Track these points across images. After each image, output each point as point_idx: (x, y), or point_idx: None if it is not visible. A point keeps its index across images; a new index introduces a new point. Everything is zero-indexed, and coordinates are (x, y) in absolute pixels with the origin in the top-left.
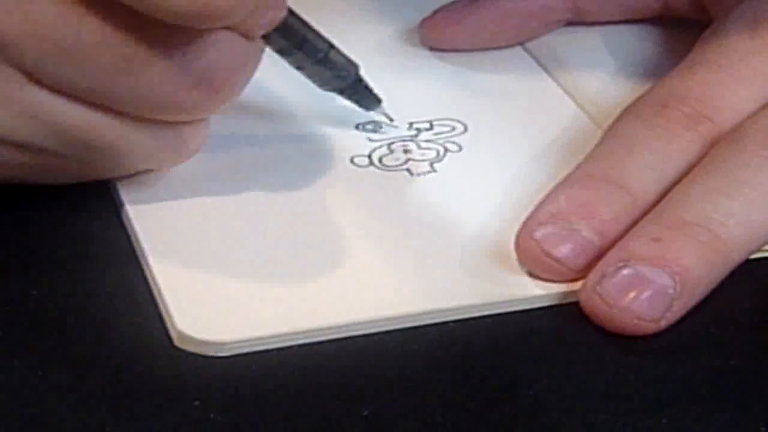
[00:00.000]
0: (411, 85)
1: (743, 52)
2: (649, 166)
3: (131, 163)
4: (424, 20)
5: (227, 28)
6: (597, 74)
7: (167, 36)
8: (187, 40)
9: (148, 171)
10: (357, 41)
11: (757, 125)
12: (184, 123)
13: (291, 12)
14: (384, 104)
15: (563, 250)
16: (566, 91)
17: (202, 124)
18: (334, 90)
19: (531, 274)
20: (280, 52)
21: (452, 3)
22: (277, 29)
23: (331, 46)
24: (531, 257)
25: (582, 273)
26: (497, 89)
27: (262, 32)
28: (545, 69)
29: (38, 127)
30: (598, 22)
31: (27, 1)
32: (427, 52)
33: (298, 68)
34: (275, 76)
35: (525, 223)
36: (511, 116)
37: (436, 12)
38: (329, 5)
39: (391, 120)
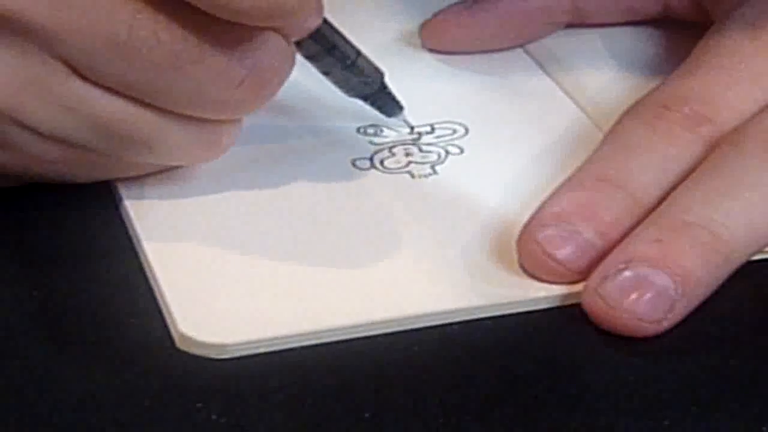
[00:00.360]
0: (412, 88)
1: (744, 54)
2: (650, 167)
3: (166, 158)
4: (425, 22)
5: (273, 29)
6: (598, 76)
7: (219, 34)
8: (238, 39)
9: (148, 173)
10: (358, 44)
11: (758, 127)
12: (223, 121)
13: (323, 18)
14: (405, 111)
15: (565, 252)
16: (567, 93)
17: (238, 122)
18: (359, 96)
19: (532, 276)
20: (310, 57)
21: (453, 5)
22: (310, 34)
23: (359, 52)
24: (533, 259)
25: (584, 275)
26: (498, 91)
27: (301, 36)
28: (546, 71)
29: (79, 121)
30: (599, 24)
31: None
32: (427, 55)
33: (325, 73)
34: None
35: (527, 225)
36: (512, 118)
37: (436, 14)
38: (328, 8)
39: (412, 128)
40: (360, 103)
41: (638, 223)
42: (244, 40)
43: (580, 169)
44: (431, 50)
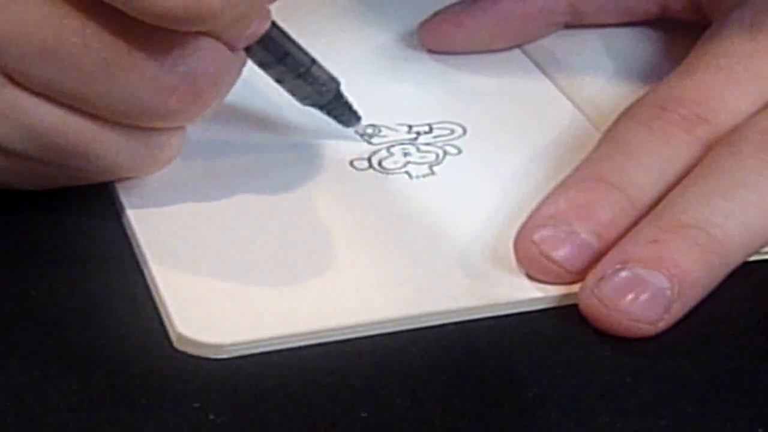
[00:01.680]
0: (410, 89)
1: (741, 55)
2: (647, 168)
3: (107, 168)
4: (423, 23)
5: (211, 35)
6: (595, 76)
7: (149, 40)
8: (169, 45)
9: (147, 174)
10: (356, 44)
11: (754, 128)
12: (162, 130)
13: (274, 24)
14: (362, 122)
15: (562, 252)
16: (565, 94)
17: (180, 132)
18: (314, 105)
19: (529, 276)
20: (262, 64)
21: (451, 6)
22: (259, 41)
23: (313, 61)
24: (530, 259)
25: (580, 275)
26: (496, 92)
27: (245, 43)
28: (544, 72)
29: (14, 128)
30: (596, 25)
31: (9, 1)
32: (425, 55)
33: (278, 81)
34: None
35: (524, 225)
36: (510, 119)
37: (434, 15)
38: (327, 8)
39: (370, 143)
40: (316, 112)
41: (635, 223)
42: (177, 47)
43: (577, 170)
44: (429, 50)
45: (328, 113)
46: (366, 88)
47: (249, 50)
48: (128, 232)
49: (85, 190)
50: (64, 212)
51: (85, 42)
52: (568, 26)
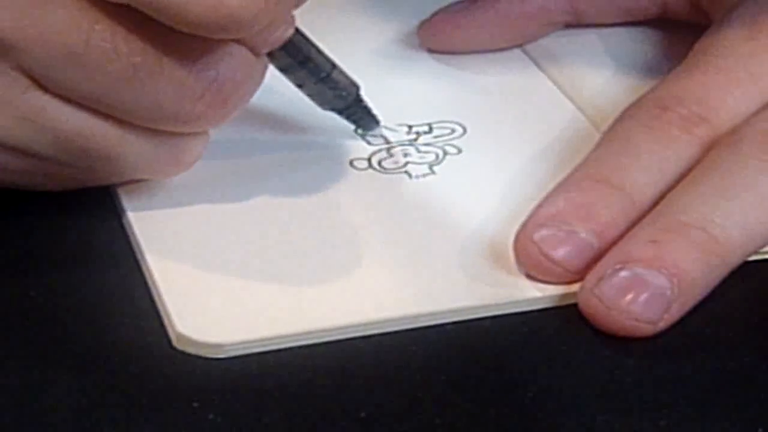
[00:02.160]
0: (410, 88)
1: (741, 55)
2: (646, 168)
3: (128, 171)
4: (423, 22)
5: (237, 41)
6: (595, 76)
7: (178, 46)
8: (197, 51)
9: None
10: (355, 44)
11: (754, 128)
12: (186, 134)
13: (296, 29)
14: (382, 125)
15: (562, 252)
16: (565, 93)
17: (203, 136)
18: (333, 109)
19: (529, 276)
20: (283, 69)
21: (451, 5)
22: (282, 46)
23: (334, 65)
24: (530, 259)
25: (580, 275)
26: (496, 91)
27: (269, 48)
28: (544, 71)
29: (38, 132)
30: (596, 25)
31: (38, 5)
32: (425, 55)
33: (299, 86)
34: (274, 81)
35: (524, 225)
36: (510, 118)
37: (435, 14)
38: (326, 8)
39: (389, 143)
40: (335, 116)
41: (635, 223)
42: (205, 53)
43: (576, 170)
44: (429, 50)
45: (348, 117)
46: (365, 88)
47: (271, 55)
48: (128, 232)
49: (85, 191)
50: (65, 213)
51: (114, 48)
52: (568, 26)
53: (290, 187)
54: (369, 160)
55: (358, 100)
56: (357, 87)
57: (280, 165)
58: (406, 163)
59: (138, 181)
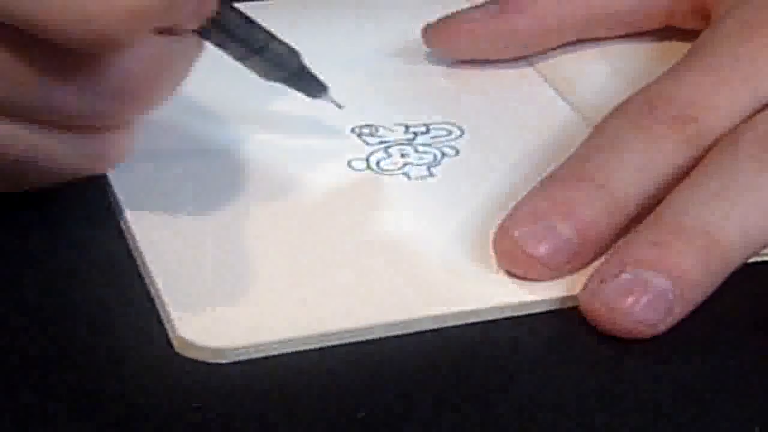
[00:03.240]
0: (407, 89)
1: (733, 56)
2: (631, 166)
3: (48, 172)
4: (432, 25)
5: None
6: (593, 79)
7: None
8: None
9: (145, 177)
10: (352, 44)
11: (754, 130)
12: (106, 130)
13: (225, 3)
14: (330, 91)
15: (541, 249)
16: (563, 96)
17: (128, 129)
18: (277, 80)
19: (509, 273)
20: (218, 45)
21: (465, 13)
22: (212, 23)
23: (272, 36)
24: (508, 256)
25: (561, 272)
26: (492, 92)
27: (190, 27)
28: (540, 72)
29: None
30: (605, 39)
31: None
32: (422, 56)
33: (239, 60)
34: (273, 83)
35: (504, 222)
36: (508, 119)
37: (445, 19)
38: (325, 8)
39: (340, 107)
40: (283, 87)
41: (618, 221)
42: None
43: (560, 167)
44: (435, 55)
45: (294, 86)
46: (362, 88)
47: (202, 33)
48: (127, 235)
49: (82, 195)
50: (62, 216)
51: (15, 55)
52: (579, 41)
53: (289, 189)
54: (367, 160)
55: (302, 67)
56: (297, 54)
57: (279, 167)
58: (405, 165)
59: (131, 182)
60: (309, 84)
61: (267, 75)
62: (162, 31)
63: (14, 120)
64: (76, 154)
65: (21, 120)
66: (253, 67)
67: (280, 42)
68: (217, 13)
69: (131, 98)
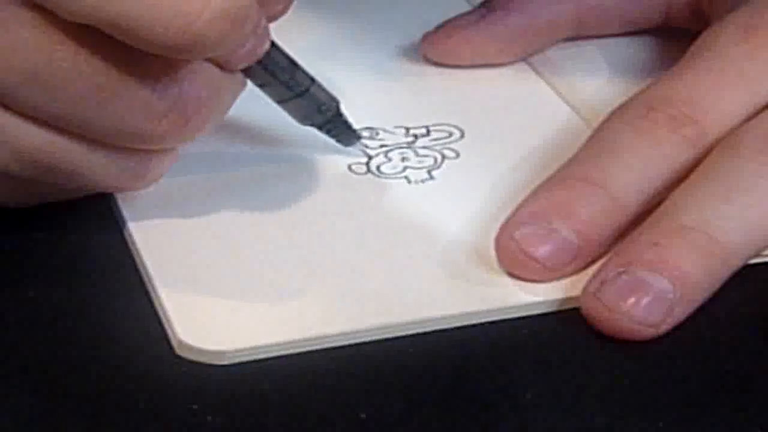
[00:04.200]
0: (406, 91)
1: (732, 57)
2: (631, 167)
3: (94, 186)
4: (428, 35)
5: (205, 59)
6: (593, 80)
7: (141, 65)
8: (160, 70)
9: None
10: (353, 47)
11: (754, 131)
12: (151, 151)
13: (274, 44)
14: (363, 141)
15: (542, 250)
16: (562, 97)
17: (169, 153)
18: (313, 125)
19: (510, 274)
20: (261, 85)
21: (457, 20)
22: (258, 62)
23: (313, 80)
24: (510, 257)
25: (561, 273)
26: (492, 94)
27: (242, 65)
28: (540, 74)
29: (2, 150)
30: (601, 36)
31: (1, 27)
32: (422, 58)
33: (279, 102)
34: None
35: (505, 223)
36: (508, 122)
37: (439, 27)
38: (326, 11)
39: (370, 158)
40: (315, 132)
41: (618, 222)
42: (169, 72)
43: (561, 168)
44: (434, 63)
45: (327, 133)
46: (363, 90)
47: (248, 71)
48: (128, 238)
49: (85, 201)
50: (65, 222)
51: (77, 68)
52: (574, 38)
53: (290, 194)
54: (368, 164)
55: (338, 114)
56: (337, 102)
57: (280, 171)
58: (405, 168)
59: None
60: (343, 132)
61: (304, 119)
62: (217, 64)
63: (65, 134)
64: (119, 171)
65: (72, 134)
66: (291, 110)
67: (322, 87)
68: (266, 53)
69: (182, 121)
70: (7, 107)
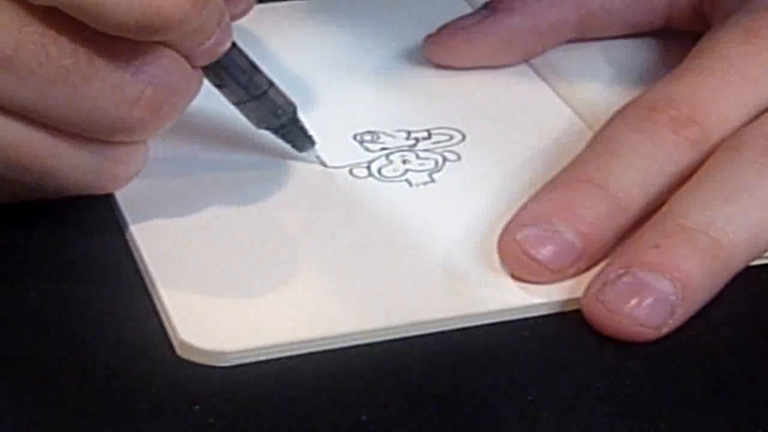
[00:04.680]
0: (408, 94)
1: (734, 59)
2: (633, 169)
3: (64, 184)
4: (430, 37)
5: (171, 47)
6: (594, 82)
7: (110, 49)
8: (130, 54)
9: (147, 182)
10: (353, 50)
11: (756, 132)
12: (121, 144)
13: (234, 45)
14: (317, 147)
15: (545, 252)
16: (564, 99)
17: (140, 147)
18: (269, 128)
19: (513, 276)
20: (218, 85)
21: (459, 21)
22: (217, 61)
23: (271, 83)
24: (512, 258)
25: (564, 274)
26: (494, 97)
27: (205, 61)
28: (542, 77)
29: None
30: (603, 38)
31: None
32: (423, 61)
33: (236, 104)
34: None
35: (508, 225)
36: (508, 124)
37: (442, 29)
38: (326, 14)
39: (325, 165)
40: (270, 135)
41: (620, 224)
42: (138, 56)
43: (564, 171)
44: (437, 65)
45: (282, 137)
46: (364, 94)
47: (206, 70)
48: (129, 239)
49: (83, 199)
50: (66, 223)
51: (44, 50)
52: (575, 40)
53: (291, 196)
54: (369, 167)
55: (294, 119)
56: (293, 106)
57: (280, 174)
58: (406, 171)
59: (133, 187)
60: (298, 137)
61: (259, 122)
62: (182, 54)
63: (34, 125)
64: (90, 167)
65: (41, 126)
66: (247, 113)
67: (279, 91)
68: (225, 53)
69: (154, 108)
70: None
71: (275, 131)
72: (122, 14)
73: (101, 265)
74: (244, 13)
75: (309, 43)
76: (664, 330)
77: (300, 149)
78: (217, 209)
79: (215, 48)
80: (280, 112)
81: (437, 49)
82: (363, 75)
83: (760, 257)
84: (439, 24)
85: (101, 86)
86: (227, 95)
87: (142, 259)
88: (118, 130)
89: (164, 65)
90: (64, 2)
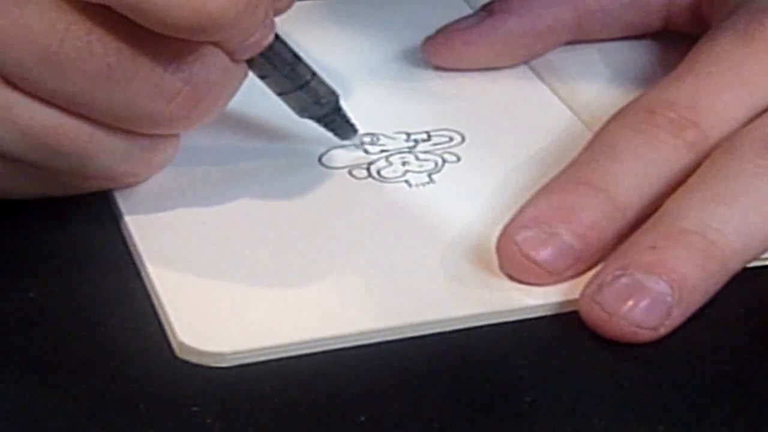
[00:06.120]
0: (407, 96)
1: (732, 61)
2: (632, 171)
3: (99, 174)
4: (429, 39)
5: (213, 44)
6: (594, 84)
7: (153, 47)
8: (172, 52)
9: (146, 182)
10: (354, 52)
11: (752, 134)
12: (158, 136)
13: (277, 37)
14: (360, 134)
15: (543, 254)
16: (563, 101)
17: (174, 139)
18: (312, 117)
19: (511, 277)
20: (263, 76)
21: (458, 23)
22: (261, 53)
23: (314, 74)
24: (511, 260)
25: (562, 276)
26: (493, 99)
27: (248, 55)
28: (542, 79)
29: (8, 130)
30: (600, 40)
31: (15, 3)
32: (422, 63)
33: (280, 94)
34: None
35: (506, 227)
36: (508, 126)
37: (440, 31)
38: (327, 16)
39: (367, 152)
40: (313, 124)
41: (619, 226)
42: (180, 54)
43: (562, 172)
44: (435, 67)
45: (326, 126)
46: (363, 96)
47: (251, 62)
48: (127, 239)
49: (83, 198)
50: (63, 220)
51: (89, 48)
52: (573, 42)
53: (291, 197)
54: (368, 169)
55: (337, 108)
56: (336, 95)
57: (280, 173)
58: (406, 172)
59: (131, 185)
60: (341, 125)
61: (303, 111)
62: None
63: (75, 115)
64: (126, 156)
65: (81, 116)
66: (291, 102)
67: (322, 80)
68: (270, 45)
69: (193, 104)
70: (16, 86)
71: (318, 120)
72: (174, 15)
73: (101, 265)
74: (288, 7)
75: (308, 45)
76: (661, 331)
77: (343, 137)
78: (217, 211)
79: (259, 43)
80: (324, 101)
81: (436, 51)
82: (362, 77)
83: (757, 259)
84: (439, 25)
85: (141, 83)
86: (271, 86)
87: (141, 261)
88: (155, 124)
89: (204, 63)
90: (115, 0)
